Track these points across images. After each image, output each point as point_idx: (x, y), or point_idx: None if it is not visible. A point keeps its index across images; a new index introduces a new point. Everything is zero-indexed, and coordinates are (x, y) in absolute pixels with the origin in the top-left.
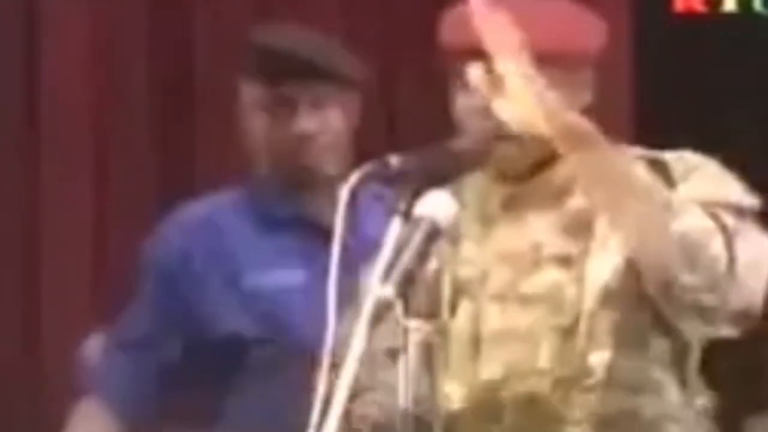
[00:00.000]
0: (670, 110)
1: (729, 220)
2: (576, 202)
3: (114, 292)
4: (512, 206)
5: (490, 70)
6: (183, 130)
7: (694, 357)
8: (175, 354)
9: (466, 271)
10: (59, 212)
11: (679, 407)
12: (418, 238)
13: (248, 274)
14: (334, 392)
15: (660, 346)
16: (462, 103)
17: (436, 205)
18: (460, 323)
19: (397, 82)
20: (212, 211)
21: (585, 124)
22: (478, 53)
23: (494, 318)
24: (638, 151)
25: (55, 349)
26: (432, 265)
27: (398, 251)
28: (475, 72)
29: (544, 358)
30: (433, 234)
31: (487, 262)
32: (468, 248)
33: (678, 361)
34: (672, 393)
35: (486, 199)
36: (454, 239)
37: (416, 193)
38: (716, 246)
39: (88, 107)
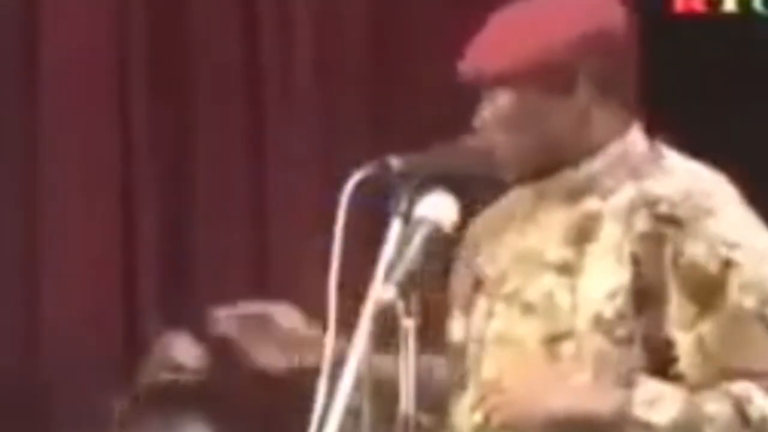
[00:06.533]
0: (669, 110)
1: (759, 398)
2: (587, 205)
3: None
4: (528, 205)
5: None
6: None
7: None
8: None
9: (490, 269)
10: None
11: None
12: (419, 239)
13: None
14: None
15: None
16: None
17: (437, 206)
18: (475, 320)
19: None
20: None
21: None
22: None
23: (499, 319)
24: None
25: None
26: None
27: (399, 252)
28: None
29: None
30: (434, 235)
31: (507, 262)
32: (498, 245)
33: None
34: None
35: (516, 196)
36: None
37: (417, 194)
38: None
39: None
